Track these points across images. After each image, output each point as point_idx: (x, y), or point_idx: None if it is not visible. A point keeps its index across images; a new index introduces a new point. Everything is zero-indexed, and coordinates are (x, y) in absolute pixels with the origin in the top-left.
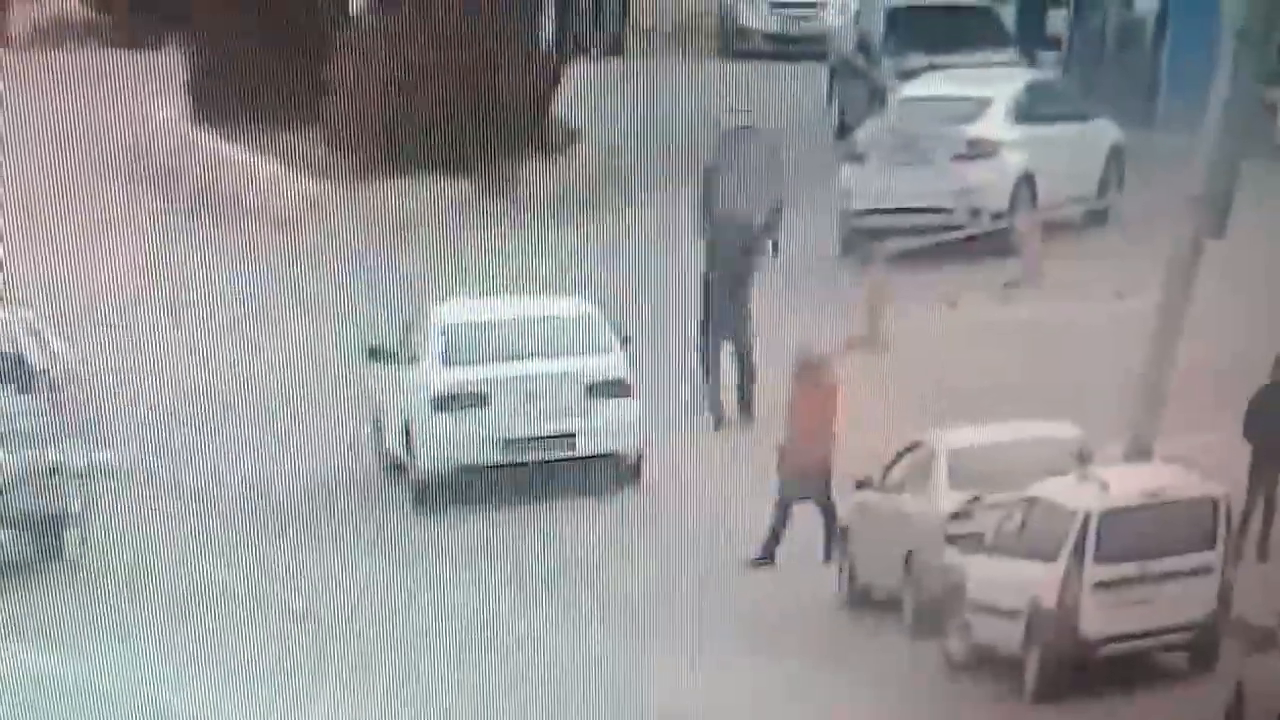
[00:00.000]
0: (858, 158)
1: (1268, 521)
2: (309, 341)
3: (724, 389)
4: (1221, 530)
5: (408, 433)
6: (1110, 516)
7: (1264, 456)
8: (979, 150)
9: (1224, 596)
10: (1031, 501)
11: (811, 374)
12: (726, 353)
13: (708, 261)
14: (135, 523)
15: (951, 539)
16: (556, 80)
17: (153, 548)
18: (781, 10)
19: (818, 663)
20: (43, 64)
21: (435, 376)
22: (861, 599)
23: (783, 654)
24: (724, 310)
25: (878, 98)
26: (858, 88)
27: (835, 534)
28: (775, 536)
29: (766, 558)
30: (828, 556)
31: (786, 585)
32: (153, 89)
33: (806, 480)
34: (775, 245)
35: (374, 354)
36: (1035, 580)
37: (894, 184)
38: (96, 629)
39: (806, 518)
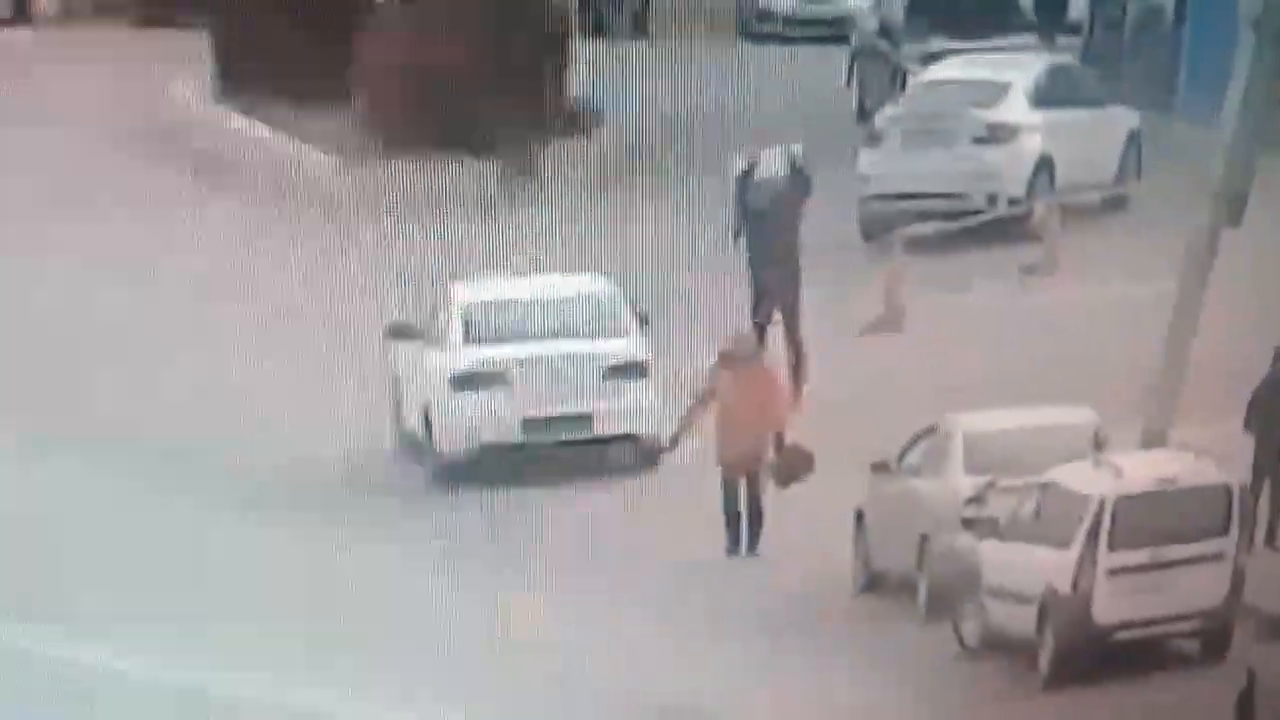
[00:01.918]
0: (877, 141)
1: (1276, 509)
2: (329, 319)
3: None
4: (1235, 518)
5: (427, 412)
6: (1125, 503)
7: (1265, 448)
8: (998, 135)
9: (1236, 584)
10: (1046, 487)
11: (739, 362)
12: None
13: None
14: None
15: (966, 523)
16: (573, 60)
17: (169, 525)
18: None
19: (832, 647)
20: (70, 41)
21: (455, 355)
22: (876, 583)
23: (797, 638)
24: (769, 292)
25: (898, 81)
26: (878, 71)
27: (757, 528)
28: (734, 525)
29: (735, 548)
30: (750, 549)
31: (800, 569)
32: (176, 67)
33: (741, 469)
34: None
35: (395, 332)
36: (1049, 565)
37: (913, 167)
38: (113, 610)
39: (819, 503)
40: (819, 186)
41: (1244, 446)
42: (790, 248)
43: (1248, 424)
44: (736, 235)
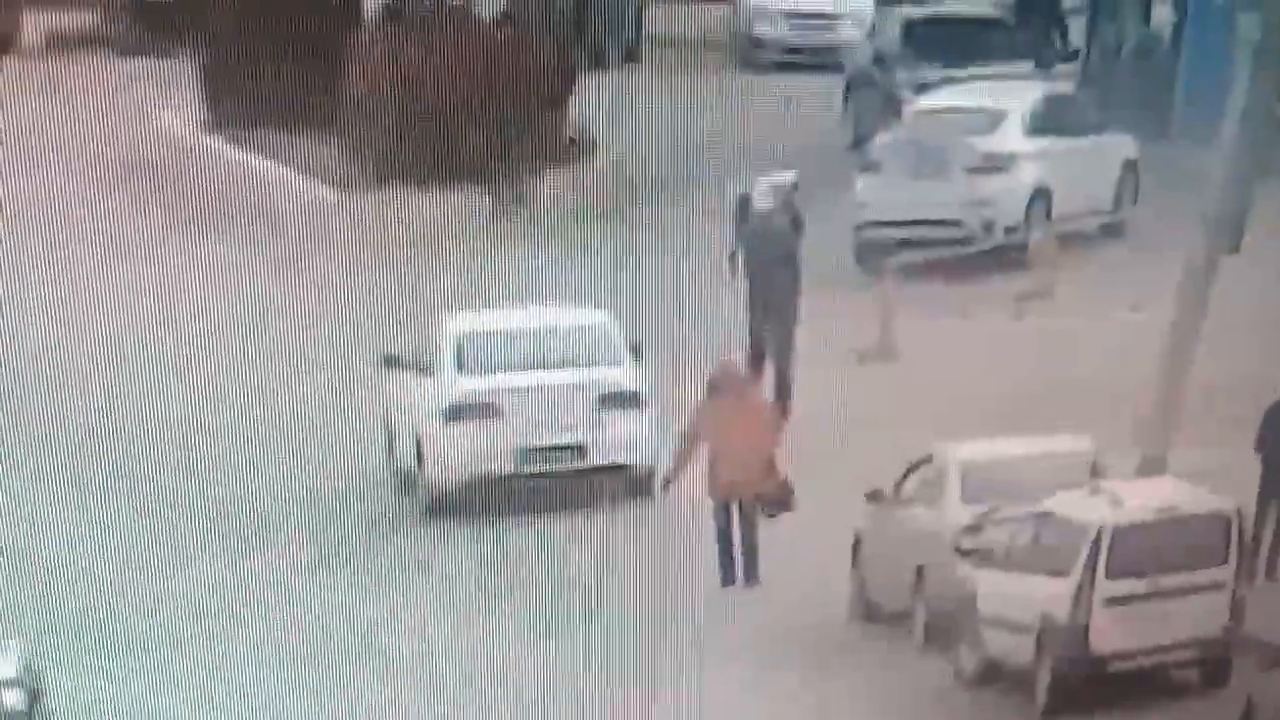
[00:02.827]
0: (872, 169)
1: (1279, 537)
2: (321, 351)
3: None
4: (1234, 546)
5: (419, 442)
6: (1123, 531)
7: (1274, 472)
8: (994, 163)
9: (1236, 613)
10: (1043, 516)
11: (727, 391)
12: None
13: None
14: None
15: (963, 553)
16: (570, 90)
17: (161, 554)
18: (798, 22)
19: (828, 676)
20: (54, 73)
21: (448, 386)
22: (872, 612)
23: (792, 668)
24: (764, 322)
25: (893, 109)
26: (873, 99)
27: (753, 558)
28: (727, 556)
29: (730, 579)
30: (748, 579)
31: (796, 599)
32: (164, 96)
33: (733, 499)
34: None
35: (387, 363)
36: (1046, 595)
37: (908, 196)
38: (106, 641)
39: (815, 532)
40: (814, 214)
41: (1243, 474)
42: (786, 281)
43: (1259, 446)
44: (732, 257)
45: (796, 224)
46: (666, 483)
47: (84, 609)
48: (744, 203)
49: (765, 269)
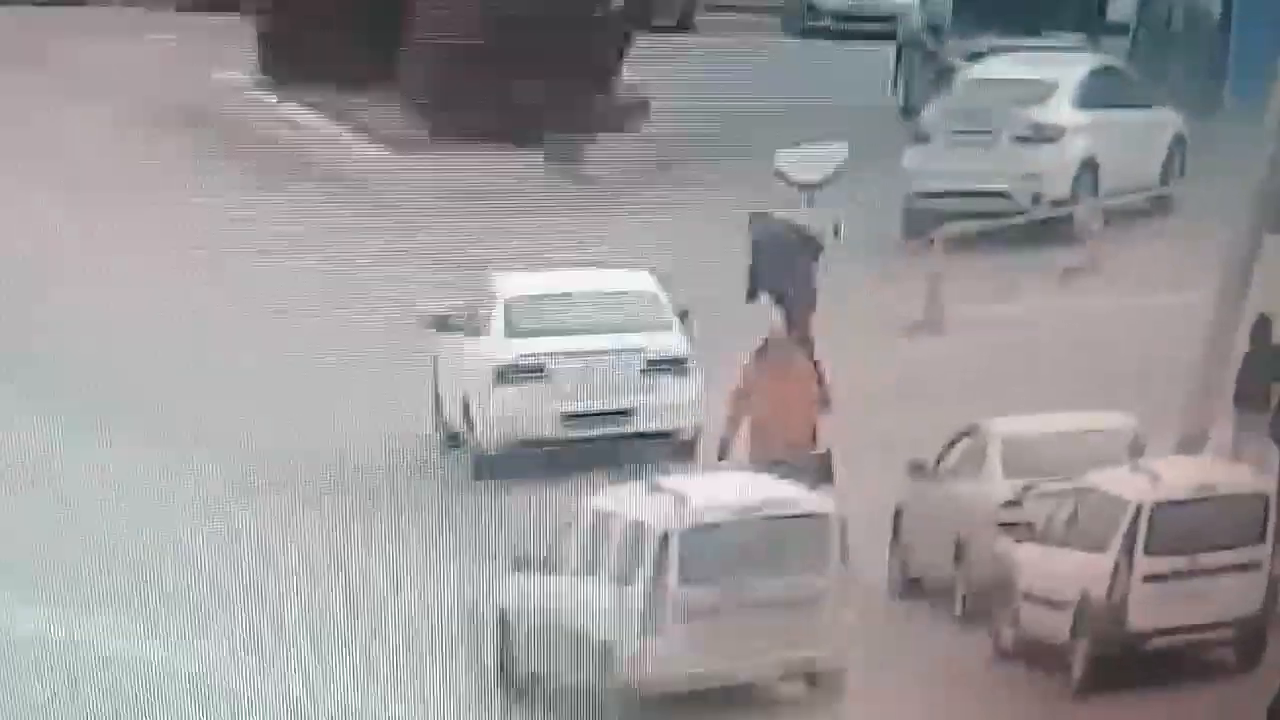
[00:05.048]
0: (922, 138)
1: None
2: (369, 308)
3: None
4: (1272, 526)
5: (466, 404)
6: (1162, 509)
7: None
8: (1043, 134)
9: (1271, 592)
10: (1083, 491)
11: (780, 355)
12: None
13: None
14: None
15: (1004, 527)
16: (625, 53)
17: (204, 509)
18: None
19: (866, 649)
20: (112, 24)
21: (497, 348)
22: (912, 586)
23: None
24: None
25: (943, 78)
26: (924, 67)
27: None
28: None
29: None
30: None
31: None
32: (221, 52)
33: (784, 463)
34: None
35: (437, 324)
36: (1085, 571)
37: (957, 165)
38: (152, 595)
39: (856, 504)
40: (862, 184)
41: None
42: (803, 293)
43: (1275, 434)
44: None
45: (813, 249)
46: (723, 451)
47: (125, 562)
48: (755, 221)
49: (779, 283)
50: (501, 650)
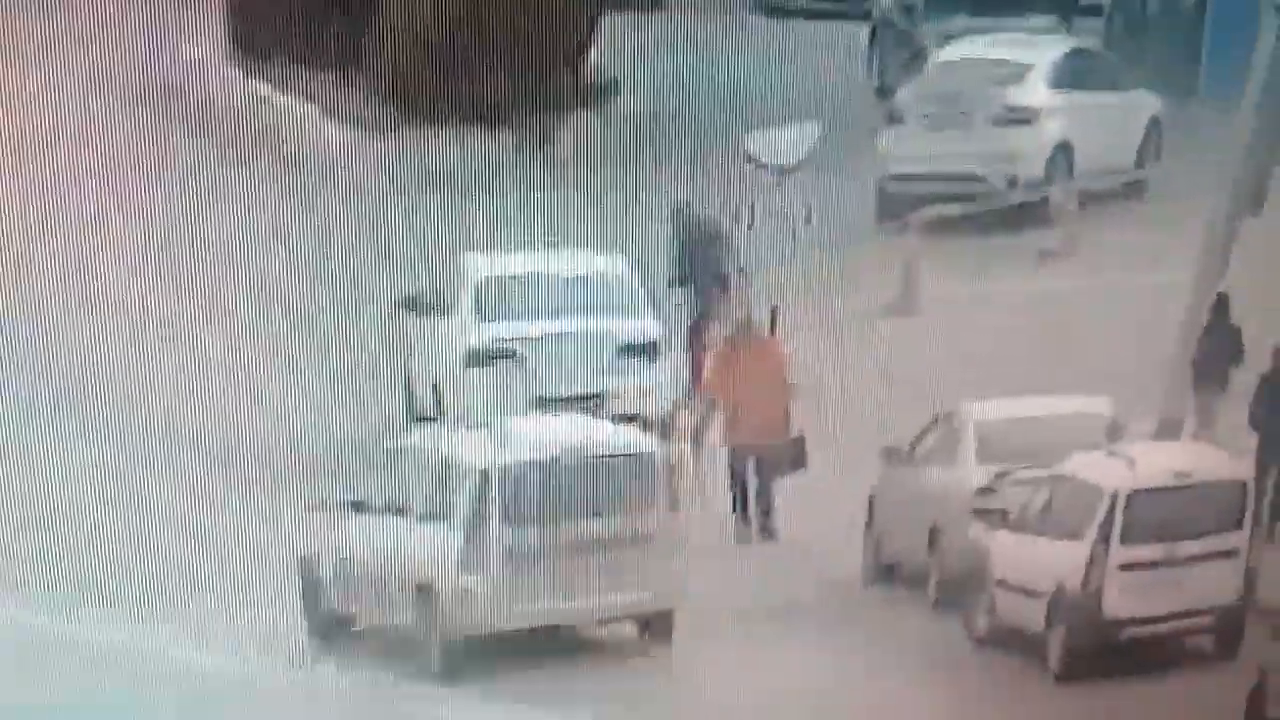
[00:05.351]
0: (897, 120)
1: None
2: (340, 291)
3: None
4: (1249, 513)
5: (437, 387)
6: (1138, 497)
7: (1269, 445)
8: (1017, 115)
9: (1249, 580)
10: (1059, 479)
11: (751, 339)
12: None
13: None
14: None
15: (978, 514)
16: (594, 32)
17: (177, 499)
18: None
19: (840, 636)
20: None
21: (468, 331)
22: (886, 572)
23: (805, 626)
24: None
25: (917, 59)
26: (898, 48)
27: (768, 513)
28: (742, 510)
29: (745, 535)
30: (766, 535)
31: (810, 557)
32: (191, 27)
33: (749, 451)
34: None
35: (407, 305)
36: (1060, 559)
37: (932, 148)
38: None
39: (829, 490)
40: (837, 167)
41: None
42: (716, 278)
43: (1253, 420)
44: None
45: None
46: (697, 438)
47: (104, 557)
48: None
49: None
50: (306, 593)
